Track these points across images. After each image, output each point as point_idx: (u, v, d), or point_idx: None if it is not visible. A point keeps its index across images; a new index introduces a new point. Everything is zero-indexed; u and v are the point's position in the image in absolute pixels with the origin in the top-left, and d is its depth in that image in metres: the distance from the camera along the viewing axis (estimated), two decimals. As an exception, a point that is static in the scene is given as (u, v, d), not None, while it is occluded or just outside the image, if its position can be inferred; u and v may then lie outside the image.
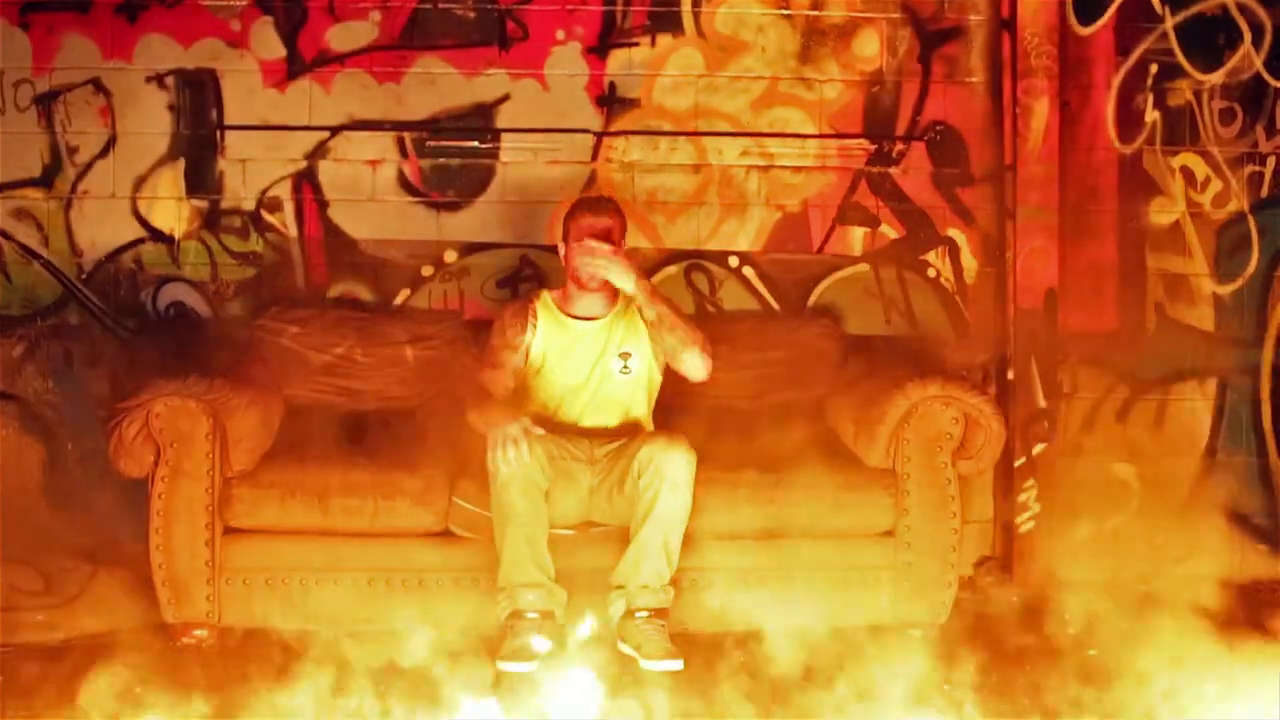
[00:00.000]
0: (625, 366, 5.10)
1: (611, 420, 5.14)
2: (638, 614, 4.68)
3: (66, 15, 5.66)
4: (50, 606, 5.11)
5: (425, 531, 4.92)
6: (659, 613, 4.69)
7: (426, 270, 5.75)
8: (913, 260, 5.93)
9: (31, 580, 5.21)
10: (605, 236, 4.99)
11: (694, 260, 5.88)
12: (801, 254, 5.90)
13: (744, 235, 5.89)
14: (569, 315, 5.14)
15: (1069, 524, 5.82)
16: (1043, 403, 5.73)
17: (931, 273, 5.92)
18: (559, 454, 4.84)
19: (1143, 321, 5.96)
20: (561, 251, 5.14)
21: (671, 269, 5.86)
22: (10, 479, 5.61)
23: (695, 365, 5.02)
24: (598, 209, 5.11)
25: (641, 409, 5.19)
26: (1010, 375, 5.76)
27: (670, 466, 4.68)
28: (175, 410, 4.84)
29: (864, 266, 5.91)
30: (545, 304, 5.17)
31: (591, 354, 5.10)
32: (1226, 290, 5.99)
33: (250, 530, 4.92)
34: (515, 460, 4.61)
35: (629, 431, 5.08)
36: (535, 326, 5.11)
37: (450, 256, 5.77)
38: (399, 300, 5.79)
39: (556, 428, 4.99)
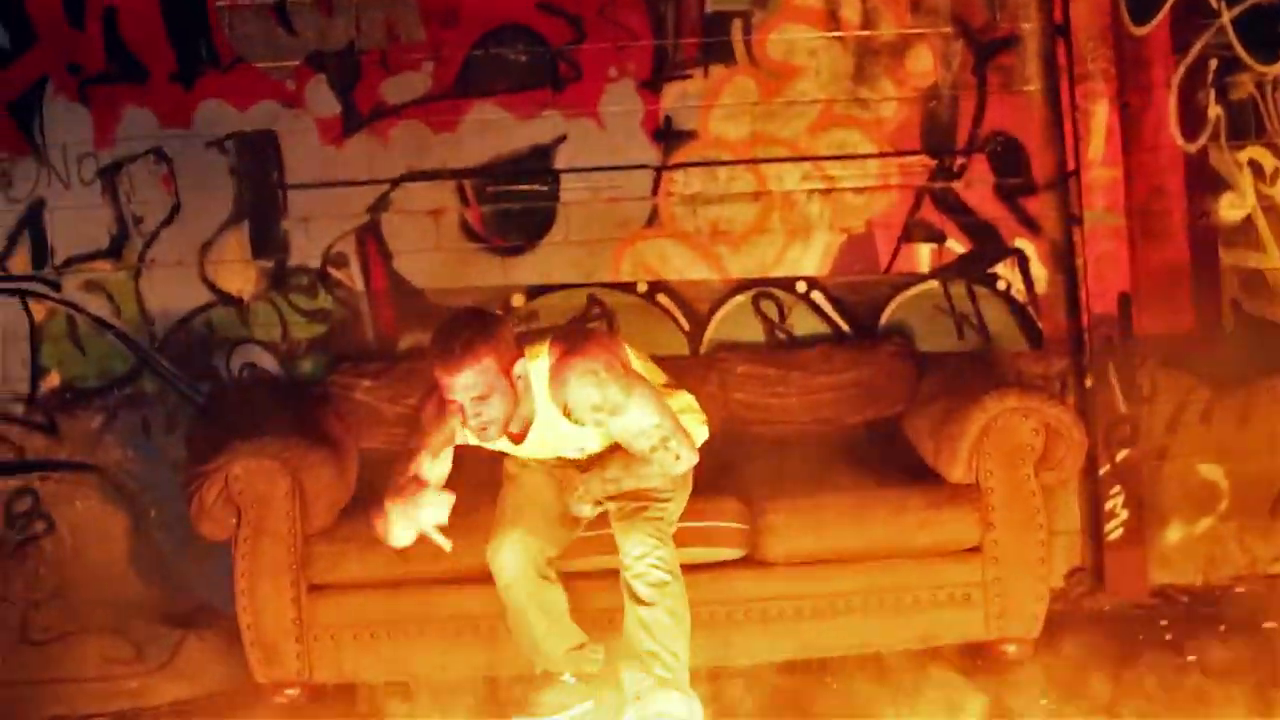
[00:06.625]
0: (584, 453, 4.58)
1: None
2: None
3: (125, 87, 5.71)
4: (142, 674, 5.14)
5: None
6: (664, 683, 4.35)
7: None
8: (981, 274, 5.87)
9: (122, 649, 5.22)
10: (481, 400, 4.24)
11: (761, 288, 5.85)
12: (869, 275, 5.86)
13: (810, 260, 5.85)
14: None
15: (1158, 529, 5.76)
16: (1123, 408, 5.65)
17: (1001, 285, 5.86)
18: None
19: (1220, 320, 5.87)
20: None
21: (740, 298, 5.84)
22: (95, 549, 5.63)
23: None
24: (447, 359, 4.22)
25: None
26: (1089, 382, 5.69)
27: (637, 559, 4.38)
28: (253, 471, 4.86)
29: (933, 283, 5.87)
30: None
31: (547, 456, 4.62)
32: (1304, 281, 5.90)
33: (335, 585, 4.93)
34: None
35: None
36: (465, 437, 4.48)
37: (518, 300, 5.77)
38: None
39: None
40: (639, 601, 4.33)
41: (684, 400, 4.70)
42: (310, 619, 4.90)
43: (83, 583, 5.54)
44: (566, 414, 4.40)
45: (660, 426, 4.39)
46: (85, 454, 5.74)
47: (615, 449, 4.52)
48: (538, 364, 4.40)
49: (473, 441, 4.49)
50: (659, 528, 4.39)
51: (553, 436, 4.49)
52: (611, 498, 4.46)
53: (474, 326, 4.29)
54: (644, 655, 4.32)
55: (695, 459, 4.49)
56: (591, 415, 4.36)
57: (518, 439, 4.50)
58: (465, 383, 4.20)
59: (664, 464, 4.41)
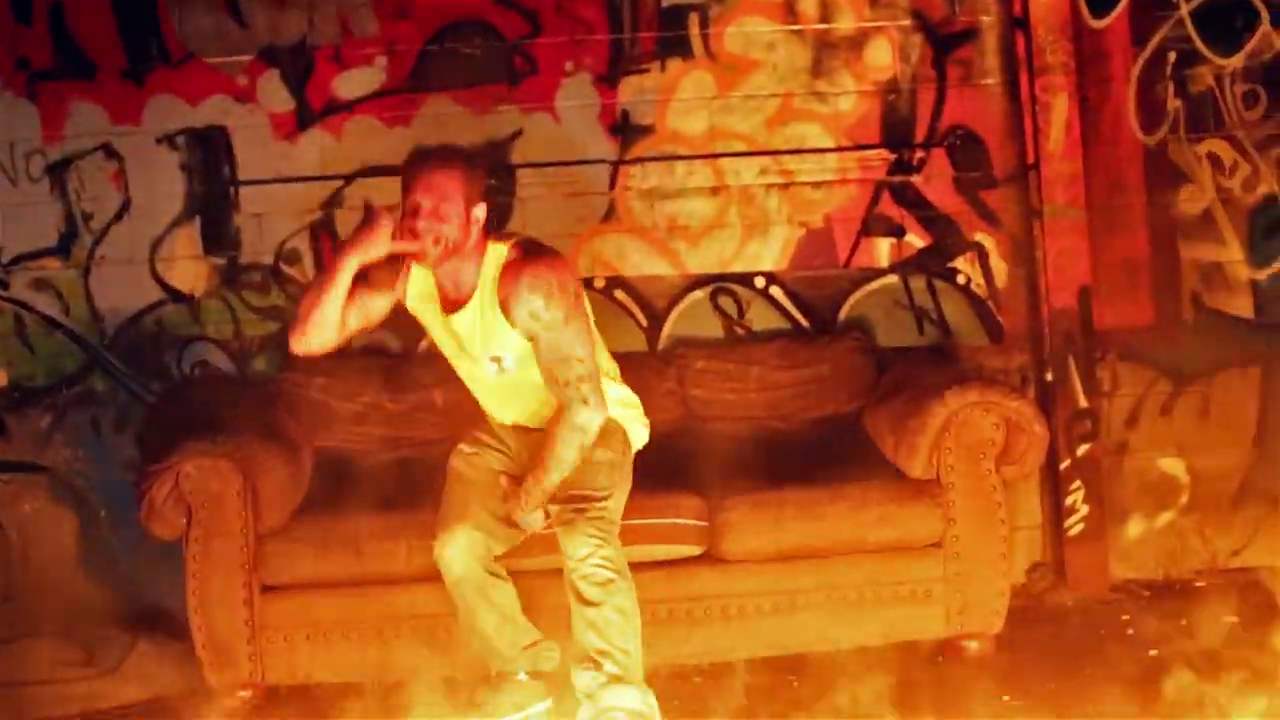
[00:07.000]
0: (500, 369, 4.46)
1: (525, 416, 4.60)
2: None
3: (74, 83, 5.63)
4: (92, 677, 5.06)
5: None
6: (616, 680, 4.24)
7: (453, 313, 5.68)
8: (941, 268, 5.84)
9: (72, 652, 5.16)
10: (435, 211, 4.24)
11: (719, 284, 5.81)
12: (828, 270, 5.82)
13: (768, 255, 5.81)
14: (439, 295, 4.48)
15: (1119, 524, 5.73)
16: (1084, 402, 5.63)
17: (961, 279, 5.83)
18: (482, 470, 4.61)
19: (1180, 313, 5.86)
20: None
21: (697, 294, 5.79)
22: (44, 550, 5.58)
23: (592, 437, 4.40)
24: (425, 157, 4.38)
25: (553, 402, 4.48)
26: (1049, 377, 5.66)
27: (581, 560, 4.28)
28: (205, 470, 4.79)
29: (892, 278, 5.84)
30: (415, 282, 4.51)
31: (462, 351, 4.51)
32: (1264, 275, 5.87)
33: (288, 586, 4.86)
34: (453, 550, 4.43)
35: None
36: (408, 297, 4.53)
37: (473, 296, 5.71)
38: (424, 345, 5.65)
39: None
40: (586, 602, 4.25)
41: (630, 397, 4.66)
42: (263, 620, 4.83)
43: (31, 585, 5.51)
44: (504, 310, 4.34)
45: (583, 363, 4.33)
46: (34, 454, 5.66)
47: (537, 448, 4.45)
48: (497, 250, 4.38)
49: (411, 300, 4.51)
50: (600, 527, 4.32)
51: (481, 327, 4.39)
52: (553, 500, 4.39)
53: (461, 152, 4.49)
54: (594, 654, 4.24)
55: (604, 415, 4.38)
56: (526, 321, 4.30)
57: (450, 306, 4.43)
58: (431, 184, 4.26)
59: (571, 408, 4.31)
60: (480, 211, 4.34)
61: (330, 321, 4.29)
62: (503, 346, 4.40)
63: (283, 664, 4.85)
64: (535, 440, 4.51)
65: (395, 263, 4.41)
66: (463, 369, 4.58)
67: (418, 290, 4.50)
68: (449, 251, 4.29)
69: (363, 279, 4.33)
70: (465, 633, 4.56)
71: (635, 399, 4.69)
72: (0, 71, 5.62)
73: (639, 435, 4.66)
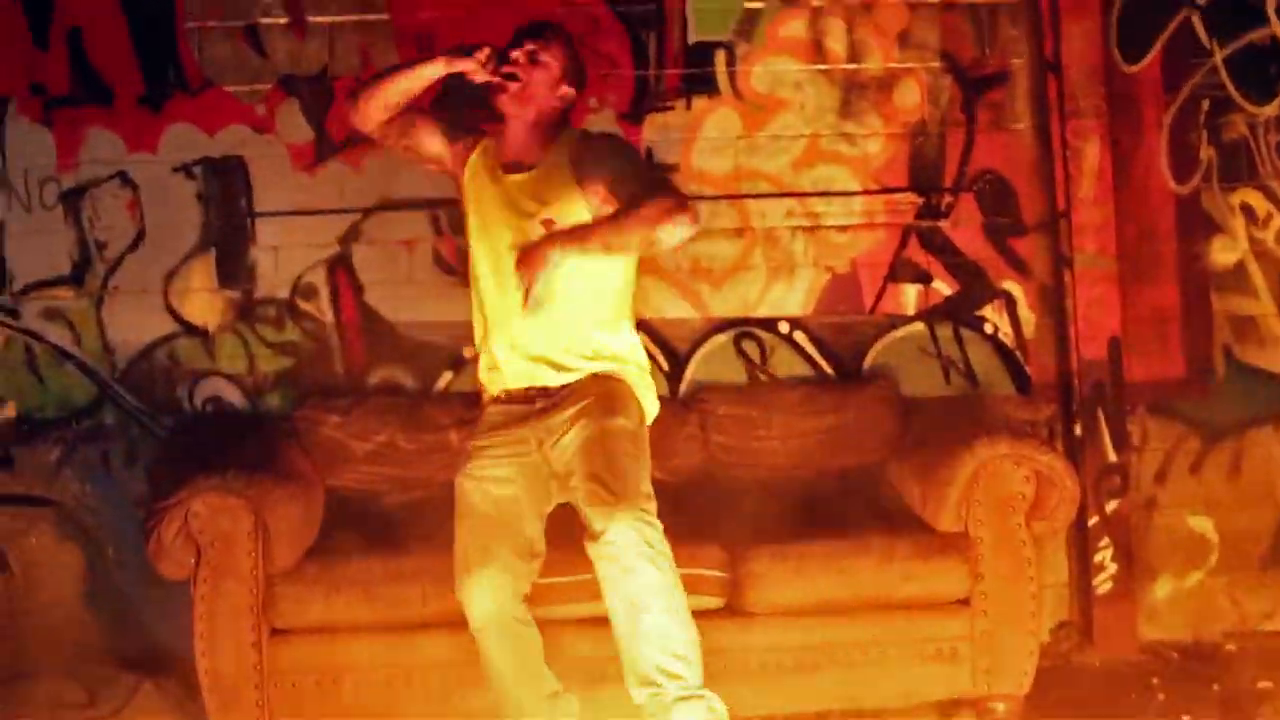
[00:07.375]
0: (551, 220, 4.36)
1: (556, 349, 4.38)
2: None
3: (90, 109, 5.58)
4: (95, 720, 4.98)
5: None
6: (682, 699, 4.05)
7: (468, 351, 5.53)
8: (969, 316, 5.76)
9: (75, 693, 5.07)
10: (533, 54, 4.43)
11: (743, 328, 5.72)
12: (853, 315, 5.74)
13: (793, 299, 5.73)
14: (500, 163, 4.52)
15: (1148, 583, 5.64)
16: (1113, 457, 5.54)
17: (989, 328, 5.74)
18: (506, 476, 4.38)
19: (1211, 367, 5.78)
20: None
21: (720, 338, 5.70)
22: (49, 587, 5.49)
23: (671, 239, 4.18)
24: (543, 19, 4.68)
25: (600, 329, 4.41)
26: (1078, 430, 5.57)
27: (622, 547, 4.02)
28: (215, 508, 4.67)
29: (919, 325, 5.75)
30: (484, 151, 4.59)
31: (513, 213, 4.41)
32: (1297, 330, 5.80)
33: (298, 629, 4.74)
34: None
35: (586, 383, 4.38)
36: (472, 157, 4.59)
37: (492, 337, 5.61)
38: (441, 384, 5.64)
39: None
40: (635, 607, 3.99)
41: (645, 360, 4.55)
42: (272, 664, 4.70)
43: (34, 622, 5.43)
44: (578, 160, 4.40)
45: (669, 183, 4.50)
46: (42, 488, 5.57)
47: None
48: (570, 132, 4.58)
49: (472, 163, 4.58)
50: (643, 505, 4.08)
51: (543, 183, 4.40)
52: (581, 478, 4.15)
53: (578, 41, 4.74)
54: (655, 675, 4.00)
55: (695, 229, 4.20)
56: (609, 145, 4.52)
57: (509, 164, 4.49)
58: (542, 36, 4.50)
59: (670, 199, 4.21)
60: (570, 91, 4.53)
61: (387, 101, 4.50)
62: (561, 207, 4.35)
63: (291, 711, 4.72)
64: (545, 422, 4.32)
65: (470, 134, 4.63)
66: (487, 244, 4.47)
67: (481, 158, 4.57)
68: (527, 97, 4.45)
69: (441, 119, 4.68)
70: (485, 680, 4.43)
71: (648, 363, 4.58)
72: (16, 97, 5.57)
73: (652, 406, 4.52)
